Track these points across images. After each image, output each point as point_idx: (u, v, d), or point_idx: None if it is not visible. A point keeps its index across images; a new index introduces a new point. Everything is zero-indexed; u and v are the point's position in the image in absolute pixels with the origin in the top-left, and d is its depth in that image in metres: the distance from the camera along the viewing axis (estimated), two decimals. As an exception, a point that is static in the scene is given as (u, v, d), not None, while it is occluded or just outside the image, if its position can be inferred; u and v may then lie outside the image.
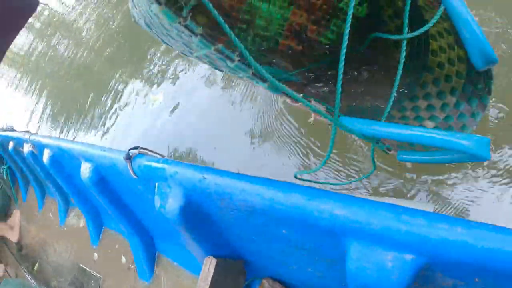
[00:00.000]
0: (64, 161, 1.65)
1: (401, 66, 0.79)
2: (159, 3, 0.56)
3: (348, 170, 1.16)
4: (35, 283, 2.11)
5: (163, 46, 2.11)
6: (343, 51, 0.67)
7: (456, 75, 0.92)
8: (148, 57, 2.21)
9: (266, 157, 1.37)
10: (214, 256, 1.01)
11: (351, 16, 0.67)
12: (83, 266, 1.85)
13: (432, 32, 0.91)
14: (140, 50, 2.29)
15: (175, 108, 1.86)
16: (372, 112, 1.00)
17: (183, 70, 1.94)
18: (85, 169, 1.33)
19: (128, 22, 2.59)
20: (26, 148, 1.91)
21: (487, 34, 0.85)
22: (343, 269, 0.68)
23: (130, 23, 2.29)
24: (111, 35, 2.72)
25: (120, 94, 2.31)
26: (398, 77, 0.79)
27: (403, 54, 0.79)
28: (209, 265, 0.99)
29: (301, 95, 0.74)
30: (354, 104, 1.04)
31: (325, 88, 1.11)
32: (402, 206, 0.61)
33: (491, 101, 0.96)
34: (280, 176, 0.78)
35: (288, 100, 0.76)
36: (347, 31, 0.65)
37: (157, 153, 1.04)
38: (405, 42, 0.80)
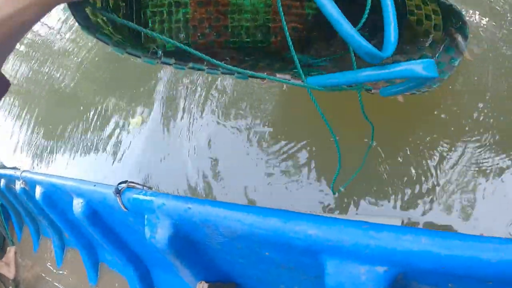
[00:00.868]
0: (57, 197, 1.68)
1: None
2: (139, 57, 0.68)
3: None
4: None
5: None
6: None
7: (434, 27, 1.03)
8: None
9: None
10: (206, 281, 1.05)
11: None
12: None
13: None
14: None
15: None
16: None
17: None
18: (77, 204, 1.37)
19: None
20: (18, 185, 1.94)
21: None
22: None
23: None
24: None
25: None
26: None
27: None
28: (201, 290, 1.03)
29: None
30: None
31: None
32: (370, 222, 0.66)
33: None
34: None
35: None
36: None
37: (145, 186, 1.09)
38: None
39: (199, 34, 1.20)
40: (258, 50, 1.26)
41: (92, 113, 2.48)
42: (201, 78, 1.82)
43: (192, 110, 1.78)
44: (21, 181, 1.90)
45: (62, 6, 0.56)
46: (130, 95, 2.25)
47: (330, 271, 0.69)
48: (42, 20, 0.57)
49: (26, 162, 3.04)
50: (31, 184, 1.83)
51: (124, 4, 0.99)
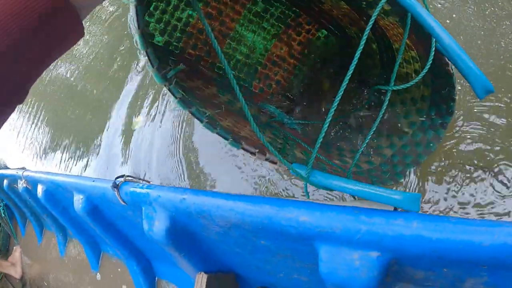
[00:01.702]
0: (58, 194, 1.70)
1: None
2: (152, 66, 0.64)
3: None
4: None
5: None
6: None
7: (421, 98, 1.00)
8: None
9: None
10: (205, 272, 1.06)
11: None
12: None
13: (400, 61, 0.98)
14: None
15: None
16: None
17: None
18: (78, 200, 1.39)
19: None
20: (20, 185, 1.96)
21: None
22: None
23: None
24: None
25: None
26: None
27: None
28: (200, 281, 1.04)
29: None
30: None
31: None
32: (361, 207, 0.67)
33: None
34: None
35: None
36: None
37: (143, 179, 1.10)
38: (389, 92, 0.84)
39: (191, 43, 1.15)
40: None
41: (95, 112, 2.48)
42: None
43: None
44: (23, 180, 1.92)
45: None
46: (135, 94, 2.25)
47: (324, 258, 0.69)
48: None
49: (33, 162, 3.07)
50: (33, 183, 1.85)
51: None
